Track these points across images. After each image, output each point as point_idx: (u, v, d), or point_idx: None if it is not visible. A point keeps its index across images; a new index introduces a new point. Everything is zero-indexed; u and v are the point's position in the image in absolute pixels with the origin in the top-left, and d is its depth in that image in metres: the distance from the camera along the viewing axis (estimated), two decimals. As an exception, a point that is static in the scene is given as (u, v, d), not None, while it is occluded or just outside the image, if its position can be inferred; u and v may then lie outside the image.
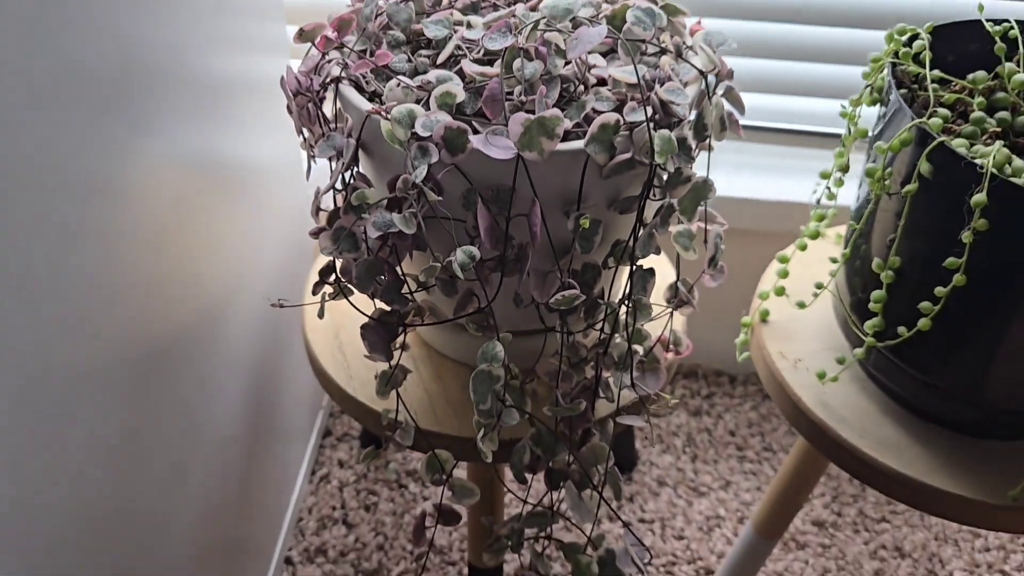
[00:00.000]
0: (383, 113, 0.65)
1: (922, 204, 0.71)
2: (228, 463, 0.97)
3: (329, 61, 0.72)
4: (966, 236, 0.66)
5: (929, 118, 0.72)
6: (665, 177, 0.68)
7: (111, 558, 0.73)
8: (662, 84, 0.68)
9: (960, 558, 1.16)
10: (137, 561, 0.79)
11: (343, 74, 0.70)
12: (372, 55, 0.72)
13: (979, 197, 0.64)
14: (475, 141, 0.63)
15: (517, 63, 0.66)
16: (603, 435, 0.78)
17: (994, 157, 0.65)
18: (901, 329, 0.74)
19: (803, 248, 0.87)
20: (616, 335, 0.74)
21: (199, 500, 0.91)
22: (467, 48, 0.71)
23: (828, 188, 0.85)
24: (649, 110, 0.66)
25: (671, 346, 0.87)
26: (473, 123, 0.67)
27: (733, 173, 1.23)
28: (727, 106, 0.77)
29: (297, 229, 1.12)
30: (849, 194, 1.16)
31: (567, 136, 0.67)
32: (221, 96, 0.88)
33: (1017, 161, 0.68)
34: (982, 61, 0.82)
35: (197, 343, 0.87)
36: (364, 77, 0.71)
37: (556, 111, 0.63)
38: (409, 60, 0.73)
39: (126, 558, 0.76)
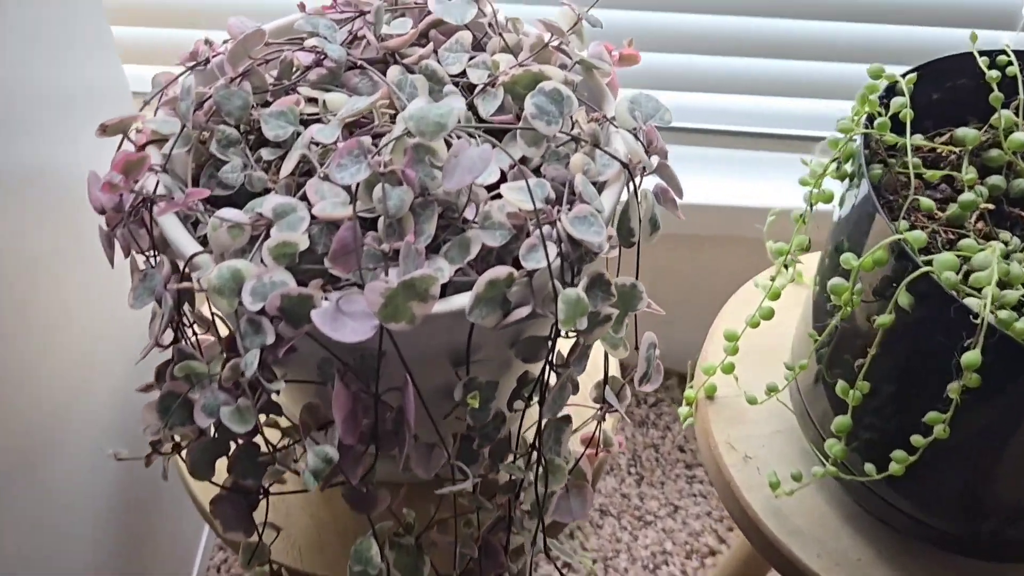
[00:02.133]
0: (197, 283, 0.49)
1: (899, 337, 0.57)
2: (105, 553, 0.85)
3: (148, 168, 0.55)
4: (953, 391, 0.53)
5: (907, 216, 0.58)
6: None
7: None
8: (569, 205, 0.52)
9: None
10: None
11: (155, 209, 0.54)
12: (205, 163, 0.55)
13: (971, 357, 0.50)
14: (320, 319, 0.47)
15: (378, 191, 0.50)
16: (520, 579, 0.66)
17: (992, 298, 0.51)
18: (869, 468, 0.62)
19: (755, 326, 0.74)
20: (529, 476, 0.61)
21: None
22: (317, 156, 0.55)
23: (785, 267, 0.71)
24: (553, 249, 0.51)
25: (599, 447, 0.74)
26: (330, 270, 0.51)
27: (703, 171, 1.06)
28: (661, 183, 0.62)
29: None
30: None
31: (446, 285, 0.52)
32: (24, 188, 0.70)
33: (1015, 269, 0.54)
34: (973, 98, 0.67)
35: (42, 439, 0.72)
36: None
37: (426, 272, 0.47)
38: (245, 166, 0.56)
39: None
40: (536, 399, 0.58)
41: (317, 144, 0.54)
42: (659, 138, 0.61)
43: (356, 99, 0.56)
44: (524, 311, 0.51)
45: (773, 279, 0.72)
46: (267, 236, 0.51)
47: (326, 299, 0.49)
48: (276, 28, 0.65)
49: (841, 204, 0.66)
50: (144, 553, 0.94)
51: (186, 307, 0.56)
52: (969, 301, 0.52)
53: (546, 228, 0.52)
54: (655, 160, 0.61)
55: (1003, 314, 0.51)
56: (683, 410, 0.81)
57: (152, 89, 0.62)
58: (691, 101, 0.99)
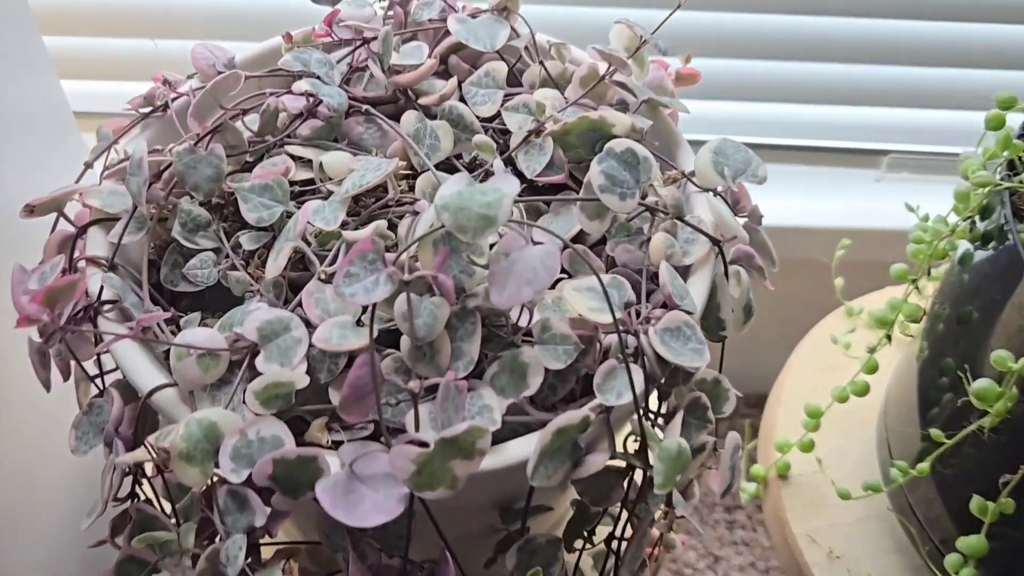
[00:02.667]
0: (155, 449, 0.36)
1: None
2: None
3: (90, 261, 0.42)
4: None
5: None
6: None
7: None
8: (650, 307, 0.39)
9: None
10: None
11: (100, 300, 0.40)
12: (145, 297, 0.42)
13: None
14: (328, 496, 0.34)
15: (401, 304, 0.37)
16: None
17: None
18: (1012, 601, 0.50)
19: (843, 400, 0.61)
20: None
21: None
22: (315, 245, 0.41)
23: (888, 337, 0.58)
24: (639, 375, 0.38)
25: (659, 548, 0.62)
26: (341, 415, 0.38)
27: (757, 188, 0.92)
28: (747, 248, 0.49)
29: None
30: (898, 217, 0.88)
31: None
32: None
33: None
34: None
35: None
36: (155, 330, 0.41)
37: (474, 425, 0.34)
38: (219, 258, 0.43)
39: None
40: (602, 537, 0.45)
41: (312, 234, 0.41)
42: (749, 198, 0.48)
43: (363, 165, 0.42)
44: (600, 461, 0.38)
45: (872, 349, 0.59)
46: (251, 362, 0.38)
47: (334, 450, 0.36)
48: (253, 57, 0.51)
49: (963, 262, 0.54)
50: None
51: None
52: None
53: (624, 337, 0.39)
54: (743, 224, 0.48)
55: None
56: (748, 487, 0.69)
57: (97, 142, 0.49)
58: (742, 112, 0.86)
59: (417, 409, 0.36)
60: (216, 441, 0.35)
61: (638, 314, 0.41)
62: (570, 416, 0.36)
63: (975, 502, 0.49)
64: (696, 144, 0.50)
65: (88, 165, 0.46)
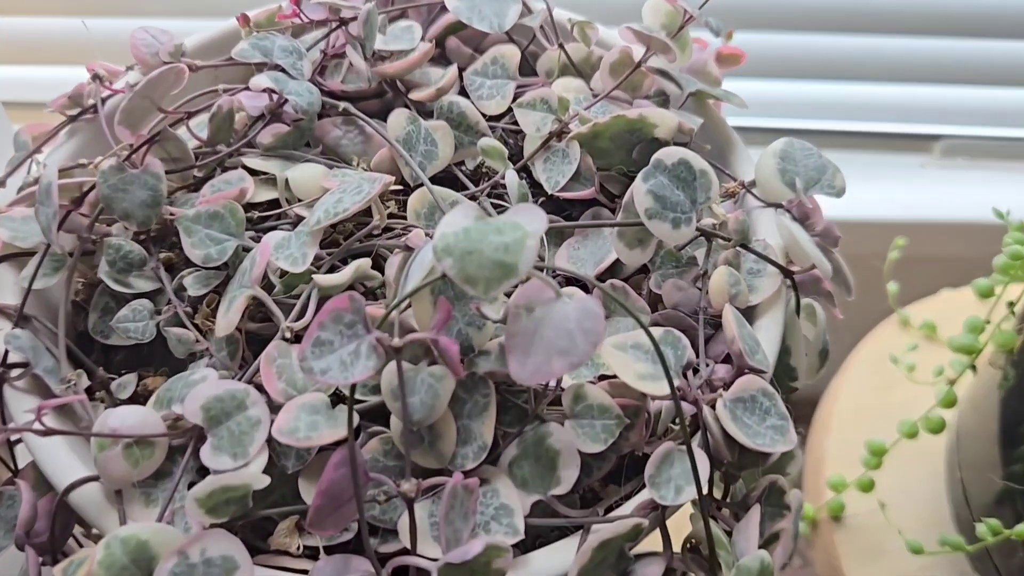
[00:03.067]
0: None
1: None
2: None
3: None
4: None
5: None
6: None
7: None
8: (721, 387, 0.30)
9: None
10: None
11: (6, 363, 0.31)
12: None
13: None
14: (298, 642, 0.25)
15: (390, 378, 0.28)
16: None
17: None
18: None
19: (912, 436, 0.53)
20: None
21: None
22: (280, 289, 0.32)
23: (973, 367, 0.49)
24: (704, 462, 0.29)
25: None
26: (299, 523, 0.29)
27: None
28: (815, 272, 0.40)
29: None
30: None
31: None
32: None
33: None
34: None
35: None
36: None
37: (491, 544, 0.25)
38: (155, 303, 0.33)
39: None
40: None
41: (277, 273, 0.32)
42: (821, 213, 0.39)
43: (340, 184, 0.33)
44: (655, 572, 0.29)
45: (952, 381, 0.50)
46: (197, 448, 0.29)
47: (307, 561, 0.28)
48: (208, 43, 0.42)
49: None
50: None
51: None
52: None
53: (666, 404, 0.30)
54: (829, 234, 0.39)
55: None
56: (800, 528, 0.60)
57: (15, 152, 0.39)
58: (773, 91, 0.76)
59: (413, 514, 0.28)
60: (148, 565, 0.26)
61: (695, 370, 0.32)
62: (617, 527, 0.27)
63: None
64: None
65: (0, 183, 0.37)
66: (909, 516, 0.56)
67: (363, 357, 0.26)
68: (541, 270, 0.27)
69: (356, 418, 0.28)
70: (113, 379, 0.33)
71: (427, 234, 0.31)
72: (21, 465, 0.34)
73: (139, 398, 0.34)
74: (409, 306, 0.29)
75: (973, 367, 0.48)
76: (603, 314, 0.27)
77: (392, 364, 0.28)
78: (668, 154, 0.32)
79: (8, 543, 0.32)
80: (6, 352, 0.31)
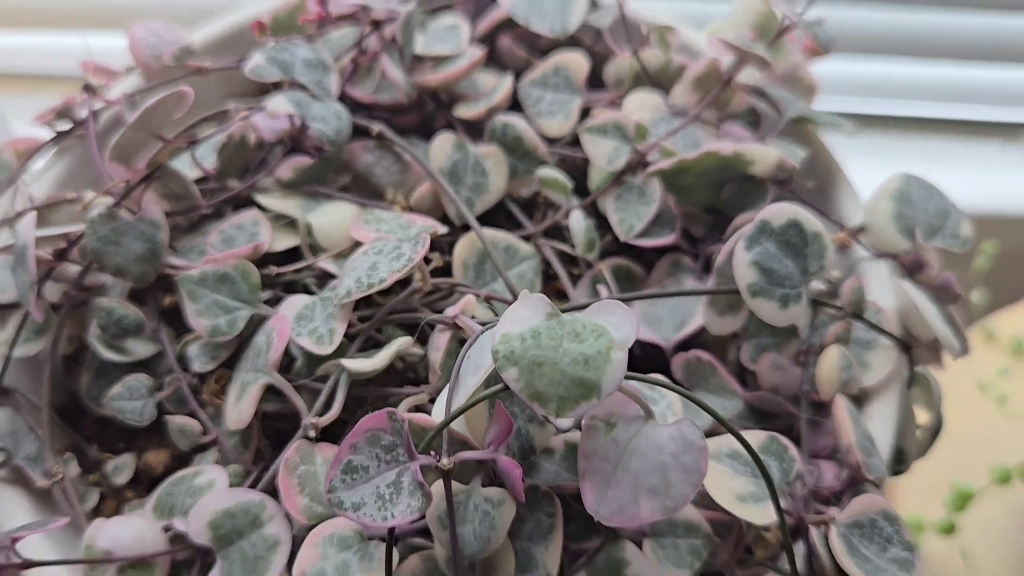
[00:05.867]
0: None
1: None
2: None
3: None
4: None
5: None
6: None
7: None
8: (837, 503, 0.25)
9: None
10: None
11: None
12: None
13: None
14: None
15: (436, 504, 0.23)
16: None
17: None
18: None
19: (1005, 480, 0.47)
20: None
21: None
22: (303, 368, 0.27)
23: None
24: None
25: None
26: None
27: (871, 163, 0.75)
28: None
29: None
30: None
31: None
32: None
33: None
34: None
35: None
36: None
37: None
38: (154, 382, 0.28)
39: None
40: None
41: (301, 356, 0.26)
42: (938, 266, 0.33)
43: (372, 247, 0.27)
44: None
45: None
46: (203, 570, 0.24)
47: None
48: (220, 39, 0.36)
49: None
50: None
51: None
52: None
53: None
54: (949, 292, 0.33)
55: None
56: None
57: (-2, 173, 0.34)
58: (836, 69, 0.69)
59: (463, 668, 0.23)
60: None
61: (800, 479, 0.26)
62: None
63: None
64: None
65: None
66: (990, 559, 0.51)
67: (406, 492, 0.21)
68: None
69: (393, 567, 0.22)
70: (109, 458, 0.28)
71: (482, 322, 0.26)
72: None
73: (139, 478, 0.29)
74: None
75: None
76: (706, 447, 0.21)
77: (439, 485, 0.23)
78: (775, 214, 0.26)
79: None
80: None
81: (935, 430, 0.32)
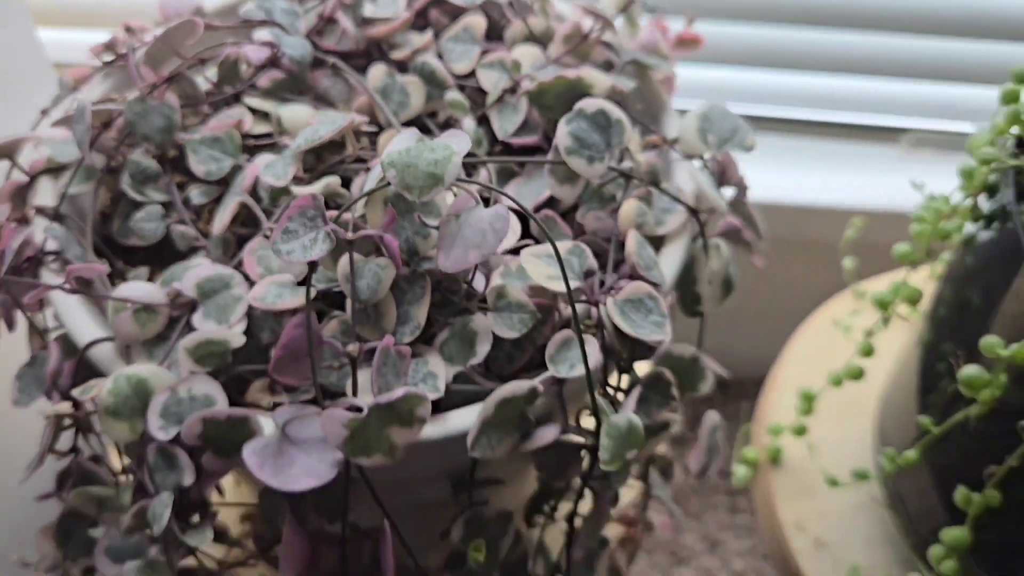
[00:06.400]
0: (85, 404, 0.35)
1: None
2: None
3: (36, 210, 0.41)
4: None
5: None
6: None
7: None
8: (616, 276, 0.37)
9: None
10: None
11: (44, 250, 0.39)
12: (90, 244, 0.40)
13: None
14: (256, 458, 0.33)
15: (344, 265, 0.35)
16: None
17: None
18: (997, 599, 0.48)
19: (837, 384, 0.59)
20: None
21: None
22: (267, 200, 0.39)
23: (885, 321, 0.55)
24: (594, 347, 0.36)
25: (639, 529, 0.60)
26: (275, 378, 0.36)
27: (764, 163, 0.88)
28: (734, 220, 0.46)
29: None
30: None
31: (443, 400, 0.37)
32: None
33: None
34: None
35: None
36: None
37: (411, 392, 0.33)
38: (167, 209, 0.41)
39: None
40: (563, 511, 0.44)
41: (263, 188, 0.39)
42: (736, 169, 0.46)
43: (319, 120, 0.40)
44: (549, 435, 0.36)
45: (869, 332, 0.56)
46: (190, 319, 0.36)
47: (267, 414, 0.35)
48: (224, 7, 0.50)
49: (967, 244, 0.51)
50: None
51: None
52: None
53: (582, 307, 0.37)
54: (729, 195, 0.45)
55: None
56: (740, 471, 0.67)
57: (59, 91, 0.47)
58: (748, 80, 0.82)
59: (356, 373, 0.35)
60: (146, 397, 0.34)
61: (602, 283, 0.38)
62: (515, 387, 0.34)
63: (959, 493, 0.47)
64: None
65: (44, 113, 0.45)
66: (839, 461, 0.62)
67: (319, 242, 0.33)
68: (488, 199, 0.34)
69: (316, 296, 0.35)
70: (130, 269, 0.41)
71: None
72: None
73: (151, 289, 0.41)
74: (363, 215, 0.37)
75: (885, 320, 0.54)
76: (509, 217, 0.34)
77: (346, 255, 0.35)
78: (589, 103, 0.39)
79: (39, 394, 0.40)
80: (44, 240, 0.39)
81: (726, 284, 0.44)
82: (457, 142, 0.34)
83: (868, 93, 0.82)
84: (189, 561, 0.41)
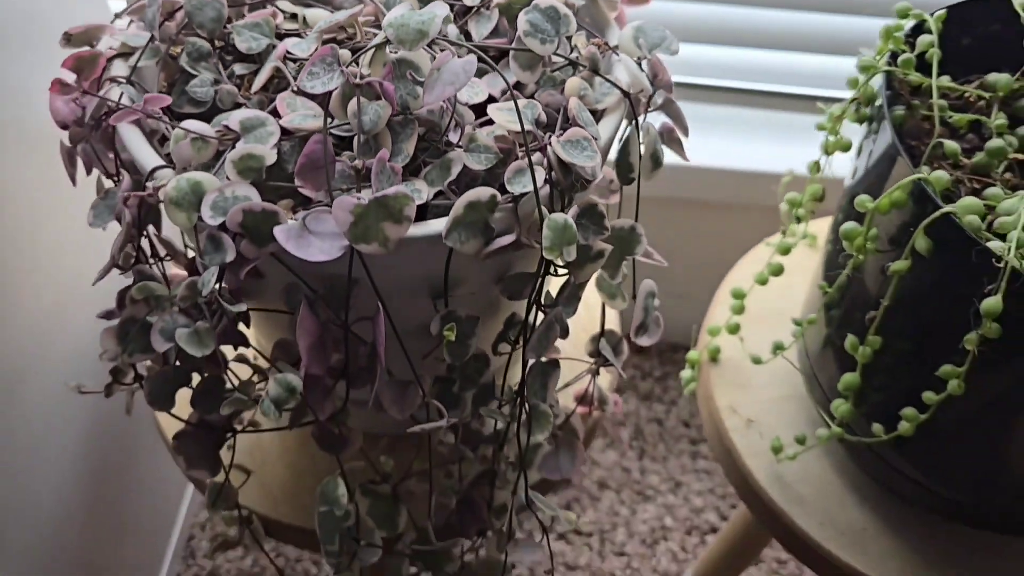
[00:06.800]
0: (155, 193, 0.46)
1: (914, 284, 0.53)
2: (88, 482, 0.82)
3: (110, 80, 0.52)
4: (970, 341, 0.49)
5: (930, 162, 0.53)
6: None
7: None
8: (562, 130, 0.48)
9: None
10: None
11: (111, 118, 0.50)
12: (171, 72, 0.52)
13: (992, 303, 0.46)
14: (284, 236, 0.44)
15: (353, 106, 0.47)
16: (500, 539, 0.63)
17: (1017, 242, 0.46)
18: (877, 428, 0.58)
19: (763, 282, 0.70)
20: (513, 426, 0.58)
21: (52, 531, 0.76)
22: (293, 72, 0.51)
23: (797, 218, 0.66)
24: (542, 173, 0.47)
25: (593, 405, 0.70)
26: (299, 190, 0.47)
27: (708, 133, 1.01)
28: (667, 121, 0.58)
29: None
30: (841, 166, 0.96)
31: (426, 209, 0.48)
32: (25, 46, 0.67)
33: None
34: (1006, 46, 0.62)
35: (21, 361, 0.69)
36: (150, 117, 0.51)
37: (400, 188, 0.44)
38: (216, 80, 0.52)
39: None
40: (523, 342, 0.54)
41: (293, 59, 0.51)
42: (665, 70, 0.57)
43: (337, 12, 0.52)
44: (507, 239, 0.47)
45: (784, 232, 0.68)
46: (233, 148, 0.48)
47: (293, 219, 0.46)
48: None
49: (859, 154, 0.62)
50: (124, 504, 0.92)
51: (152, 231, 0.53)
52: (992, 245, 0.47)
53: (536, 156, 0.48)
54: (660, 95, 0.57)
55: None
56: (685, 373, 0.77)
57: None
58: (698, 54, 0.95)
59: (360, 185, 0.46)
60: (200, 195, 0.45)
61: (540, 122, 0.50)
62: (479, 192, 0.45)
63: (848, 340, 0.57)
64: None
65: (118, 15, 0.56)
66: (766, 354, 0.73)
67: (335, 79, 0.45)
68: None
69: (328, 121, 0.46)
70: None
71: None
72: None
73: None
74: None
75: (798, 219, 0.65)
76: (475, 64, 0.45)
77: (355, 98, 0.46)
78: (543, 0, 0.51)
79: (110, 219, 0.51)
80: (120, 96, 0.50)
81: (655, 158, 0.55)
82: (439, 8, 0.45)
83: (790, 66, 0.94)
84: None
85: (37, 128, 0.70)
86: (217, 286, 0.45)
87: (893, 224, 0.54)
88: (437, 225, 0.46)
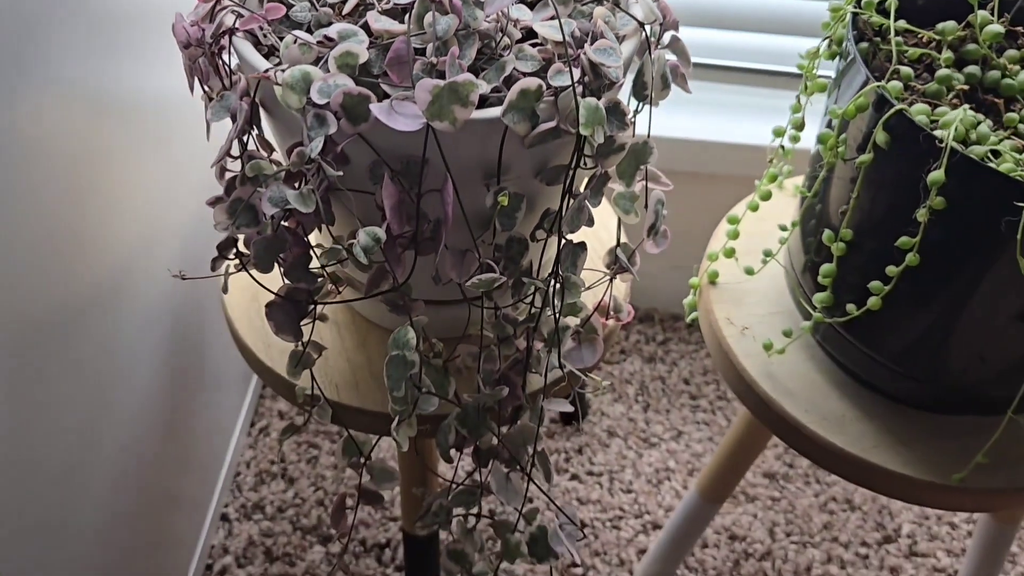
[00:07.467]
0: (274, 77, 0.58)
1: (877, 175, 0.65)
2: (151, 418, 0.93)
3: (223, 8, 0.64)
4: (921, 214, 0.60)
5: (888, 80, 0.66)
6: (596, 147, 0.61)
7: (21, 520, 0.69)
8: (593, 42, 0.61)
9: (910, 510, 1.14)
10: (55, 518, 0.74)
11: (236, 25, 0.62)
12: (266, 3, 0.64)
13: (936, 175, 0.58)
14: (377, 111, 0.56)
15: (428, 17, 0.59)
16: (533, 413, 0.73)
17: (956, 129, 0.59)
18: (850, 307, 0.69)
19: (754, 209, 0.82)
20: (547, 309, 0.69)
21: (119, 458, 0.86)
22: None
23: (782, 147, 0.78)
24: (577, 72, 0.59)
25: (611, 313, 0.81)
26: (381, 85, 0.59)
27: (697, 113, 1.15)
28: (673, 58, 0.70)
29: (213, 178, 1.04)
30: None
31: (485, 102, 0.60)
32: (119, 26, 0.79)
33: (982, 128, 0.62)
34: (956, 6, 0.75)
35: (101, 300, 0.80)
36: (262, 29, 0.63)
37: (469, 76, 0.56)
38: (314, 7, 0.65)
39: (41, 516, 0.72)
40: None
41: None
42: (672, 12, 0.70)
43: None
44: (550, 124, 0.59)
45: (771, 160, 0.80)
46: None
47: (386, 96, 0.57)
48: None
49: (830, 93, 0.74)
50: (186, 441, 1.02)
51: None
52: (936, 132, 0.59)
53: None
54: (668, 35, 0.69)
55: (965, 131, 0.58)
56: (688, 300, 0.89)
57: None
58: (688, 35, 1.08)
59: (434, 76, 0.58)
60: (308, 82, 0.57)
61: (576, 37, 0.62)
62: (529, 81, 0.57)
63: (825, 235, 0.69)
64: None
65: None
66: (763, 286, 0.84)
67: (417, -7, 0.57)
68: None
69: (410, 26, 0.58)
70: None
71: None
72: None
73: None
74: None
75: (783, 148, 0.77)
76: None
77: (431, 11, 0.58)
78: (576, -55, 0.63)
79: (225, 115, 0.63)
80: (235, 19, 0.62)
81: (664, 80, 0.67)
82: (499, -57, 0.58)
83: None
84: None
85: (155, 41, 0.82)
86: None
87: (860, 131, 0.66)
88: (494, 111, 0.58)
